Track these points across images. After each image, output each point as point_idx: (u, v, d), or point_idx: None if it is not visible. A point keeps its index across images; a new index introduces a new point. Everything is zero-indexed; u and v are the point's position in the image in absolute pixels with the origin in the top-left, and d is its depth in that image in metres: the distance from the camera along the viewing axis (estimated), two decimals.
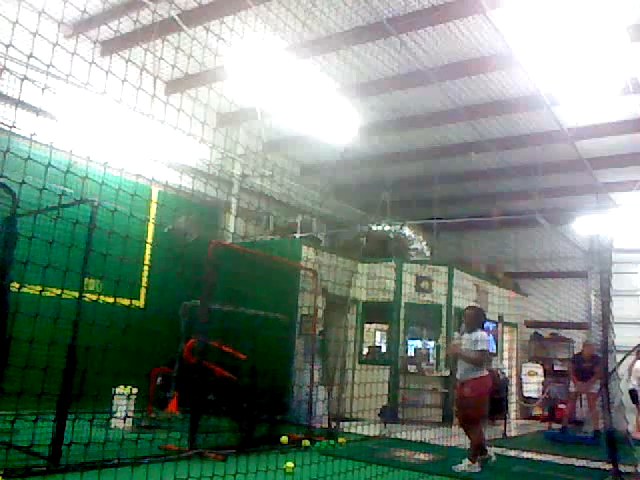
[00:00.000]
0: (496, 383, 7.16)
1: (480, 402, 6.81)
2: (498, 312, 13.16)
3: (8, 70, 7.34)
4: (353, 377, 11.13)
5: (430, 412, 10.86)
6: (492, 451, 6.97)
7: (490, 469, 6.75)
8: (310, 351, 9.18)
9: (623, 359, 7.16)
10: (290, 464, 5.69)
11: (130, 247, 5.39)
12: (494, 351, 12.59)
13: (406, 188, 14.05)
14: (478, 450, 6.69)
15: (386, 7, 7.73)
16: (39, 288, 4.96)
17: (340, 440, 7.88)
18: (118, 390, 7.58)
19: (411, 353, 11.87)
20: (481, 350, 6.76)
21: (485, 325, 7.34)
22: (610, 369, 7.36)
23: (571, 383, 10.49)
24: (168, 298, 8.39)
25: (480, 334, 6.88)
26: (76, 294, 5.60)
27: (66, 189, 4.68)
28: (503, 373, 11.19)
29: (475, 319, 7.13)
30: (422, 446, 7.95)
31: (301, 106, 7.91)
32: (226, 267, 7.36)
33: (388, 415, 10.30)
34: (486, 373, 6.85)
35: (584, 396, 10.50)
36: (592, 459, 7.70)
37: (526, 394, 13.79)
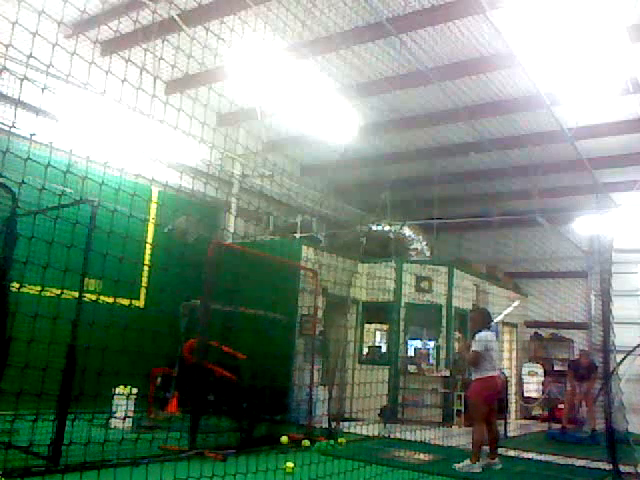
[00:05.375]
0: (498, 385, 7.11)
1: (479, 404, 6.81)
2: (498, 312, 13.15)
3: (8, 70, 7.34)
4: (353, 377, 11.13)
5: (430, 412, 10.86)
6: (499, 459, 6.98)
7: (490, 469, 6.75)
8: (310, 351, 9.17)
9: (623, 359, 7.16)
10: (290, 464, 5.68)
11: (130, 247, 5.38)
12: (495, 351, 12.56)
13: (406, 188, 14.05)
14: (478, 451, 6.69)
15: (386, 7, 7.73)
16: (39, 288, 4.96)
17: (340, 440, 7.87)
18: (118, 390, 7.57)
19: (411, 353, 11.87)
20: (474, 351, 6.81)
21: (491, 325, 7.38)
22: (610, 369, 7.36)
23: (568, 383, 10.55)
24: (168, 298, 8.40)
25: (479, 335, 6.94)
26: (76, 294, 5.59)
27: (66, 189, 4.68)
28: (503, 373, 11.18)
29: (478, 322, 7.18)
30: (422, 446, 7.94)
31: (301, 106, 7.91)
32: (226, 267, 7.36)
33: (388, 415, 10.30)
34: (487, 375, 6.81)
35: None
36: (592, 459, 7.70)
37: (526, 394, 13.78)
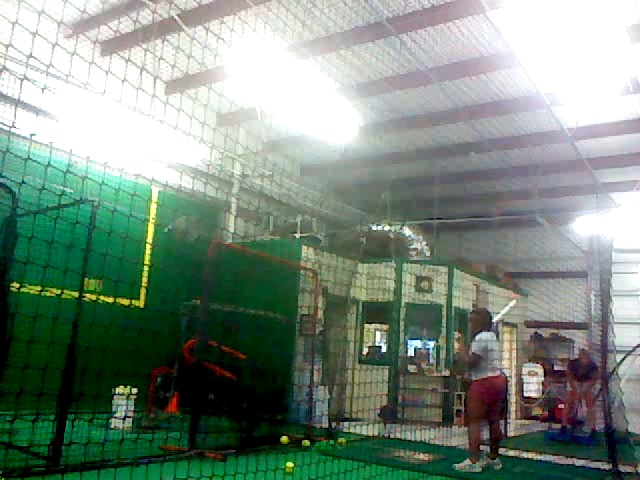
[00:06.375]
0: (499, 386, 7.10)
1: (476, 405, 6.81)
2: (498, 312, 13.14)
3: (8, 70, 7.34)
4: (353, 377, 11.13)
5: (430, 412, 10.86)
6: (499, 459, 6.98)
7: (490, 469, 6.75)
8: (310, 351, 9.17)
9: (623, 359, 7.16)
10: (290, 464, 5.68)
11: (130, 247, 5.39)
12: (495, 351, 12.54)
13: (406, 188, 14.05)
14: (476, 451, 6.69)
15: (386, 7, 7.73)
16: (39, 288, 4.96)
17: (340, 440, 7.87)
18: (118, 390, 7.57)
19: (411, 353, 11.87)
20: (473, 353, 6.82)
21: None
22: (610, 369, 7.36)
23: (568, 383, 10.54)
24: (168, 298, 8.38)
25: (478, 336, 6.93)
26: (76, 294, 5.59)
27: (66, 189, 4.68)
28: (503, 373, 11.18)
29: (478, 323, 7.18)
30: (422, 446, 7.94)
31: (301, 106, 7.91)
32: (226, 267, 7.35)
33: (388, 415, 10.29)
34: (487, 376, 6.79)
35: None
36: (592, 459, 7.70)
37: (526, 394, 13.78)
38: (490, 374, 6.81)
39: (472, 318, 7.41)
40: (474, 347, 6.84)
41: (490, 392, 6.82)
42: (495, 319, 7.49)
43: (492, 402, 6.89)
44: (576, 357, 11.26)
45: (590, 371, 10.04)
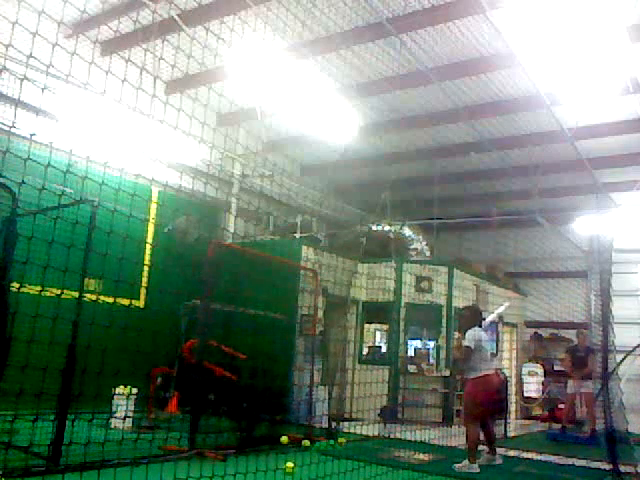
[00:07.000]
0: (495, 383, 7.08)
1: (472, 404, 6.80)
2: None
3: (8, 70, 7.34)
4: (353, 377, 11.13)
5: (430, 412, 10.86)
6: (498, 455, 6.95)
7: (490, 469, 6.75)
8: (310, 351, 9.17)
9: (623, 359, 7.15)
10: (290, 464, 5.68)
11: (130, 247, 5.38)
12: (492, 350, 12.55)
13: (406, 188, 14.05)
14: (474, 451, 6.68)
15: (386, 7, 7.73)
16: (39, 288, 4.96)
17: (340, 440, 7.87)
18: (118, 390, 7.57)
19: (411, 353, 11.87)
20: (465, 346, 6.81)
21: (483, 323, 7.35)
22: (610, 369, 7.36)
23: (569, 383, 10.50)
24: (168, 298, 8.39)
25: (469, 332, 6.91)
26: (76, 294, 5.59)
27: (66, 189, 4.68)
28: (503, 373, 11.18)
29: (469, 320, 7.15)
30: (422, 446, 7.94)
31: (301, 106, 7.92)
32: (226, 267, 7.36)
33: (388, 415, 10.29)
34: (481, 374, 6.77)
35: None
36: (592, 459, 7.69)
37: (526, 394, 13.78)
38: (485, 372, 6.80)
39: (462, 315, 7.39)
40: (467, 342, 6.83)
41: (486, 390, 6.79)
42: (487, 320, 7.48)
43: (488, 400, 6.85)
44: (575, 344, 11.20)
45: (588, 355, 9.96)
